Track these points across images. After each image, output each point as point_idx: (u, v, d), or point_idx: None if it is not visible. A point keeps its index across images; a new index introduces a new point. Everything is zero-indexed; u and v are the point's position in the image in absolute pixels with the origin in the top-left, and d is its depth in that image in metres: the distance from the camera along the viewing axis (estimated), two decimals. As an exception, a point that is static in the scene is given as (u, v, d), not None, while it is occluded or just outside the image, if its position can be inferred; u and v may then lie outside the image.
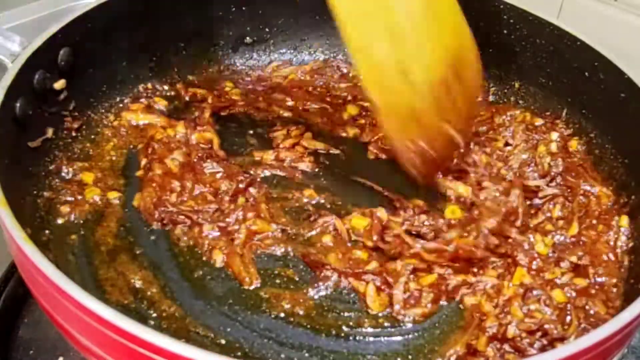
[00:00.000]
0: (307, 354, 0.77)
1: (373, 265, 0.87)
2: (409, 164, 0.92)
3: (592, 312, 0.81)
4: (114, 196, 0.93)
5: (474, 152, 1.04)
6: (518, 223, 0.93)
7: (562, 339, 0.77)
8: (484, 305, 0.83)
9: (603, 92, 1.03)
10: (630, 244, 0.91)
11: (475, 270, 0.88)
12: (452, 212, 0.96)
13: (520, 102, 1.18)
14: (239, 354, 0.76)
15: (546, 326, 0.78)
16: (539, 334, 0.78)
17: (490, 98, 1.21)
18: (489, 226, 0.91)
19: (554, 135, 1.08)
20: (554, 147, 1.06)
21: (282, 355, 0.77)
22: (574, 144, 1.07)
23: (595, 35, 1.06)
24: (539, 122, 1.12)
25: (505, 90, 1.21)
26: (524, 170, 1.02)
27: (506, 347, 0.78)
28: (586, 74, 1.06)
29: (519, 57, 1.17)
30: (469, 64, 0.93)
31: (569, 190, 0.99)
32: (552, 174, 1.01)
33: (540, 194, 0.99)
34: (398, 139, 0.89)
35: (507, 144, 1.07)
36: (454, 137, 0.90)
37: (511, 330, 0.78)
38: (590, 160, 1.05)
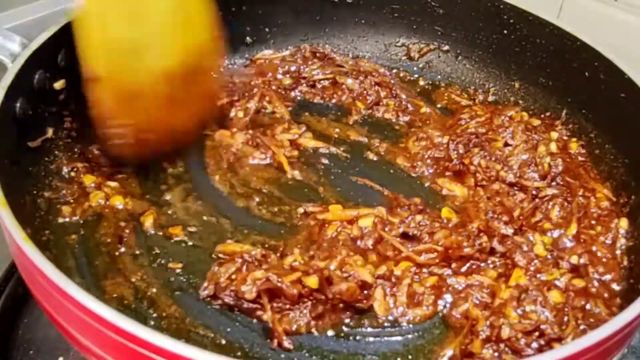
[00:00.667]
0: (307, 354, 0.77)
1: (382, 269, 0.86)
2: (112, 137, 0.88)
3: (591, 312, 0.81)
4: (117, 200, 0.93)
5: (473, 153, 1.04)
6: (511, 222, 0.93)
7: (559, 340, 0.77)
8: (472, 310, 0.82)
9: (603, 92, 1.03)
10: (630, 244, 0.91)
11: (473, 269, 0.88)
12: (449, 212, 0.96)
13: (520, 102, 1.18)
14: (239, 354, 0.76)
15: (542, 327, 0.78)
16: (535, 334, 0.78)
17: (490, 98, 1.21)
18: (476, 224, 0.91)
19: (554, 136, 1.08)
20: (553, 147, 1.06)
21: (282, 355, 0.77)
22: (574, 145, 1.07)
23: (595, 35, 1.06)
24: (537, 122, 1.12)
25: (505, 90, 1.21)
26: (524, 170, 1.02)
27: (503, 347, 0.78)
28: (586, 74, 1.06)
29: (519, 57, 1.18)
30: (207, 70, 0.93)
31: (568, 190, 0.99)
32: (552, 174, 1.01)
33: (540, 194, 0.99)
34: (108, 112, 0.86)
35: (506, 144, 1.07)
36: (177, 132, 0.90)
37: (506, 332, 0.78)
38: (590, 160, 1.05)
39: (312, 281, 0.79)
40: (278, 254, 0.85)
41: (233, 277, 0.81)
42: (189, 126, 0.92)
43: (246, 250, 0.84)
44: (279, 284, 0.78)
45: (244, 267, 0.81)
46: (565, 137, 1.09)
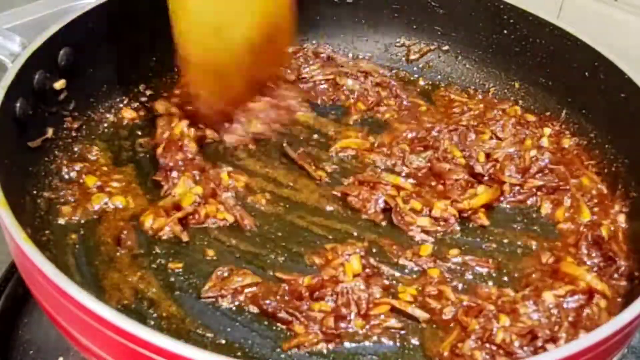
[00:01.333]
0: (307, 355, 0.77)
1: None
2: (205, 107, 0.95)
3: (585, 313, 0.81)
4: (117, 200, 0.92)
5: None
6: None
7: (553, 340, 0.76)
8: (463, 318, 0.81)
9: (603, 92, 1.04)
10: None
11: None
12: None
13: (520, 102, 1.18)
14: (239, 354, 0.76)
15: (536, 330, 0.77)
16: (529, 337, 0.77)
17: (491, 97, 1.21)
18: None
19: (547, 131, 1.09)
20: (545, 142, 1.06)
21: (282, 356, 0.77)
22: (567, 141, 1.08)
23: (595, 35, 1.06)
24: (532, 118, 1.13)
25: (505, 90, 1.21)
26: (504, 164, 1.01)
27: (496, 349, 0.77)
28: (586, 74, 1.06)
29: (519, 57, 1.18)
30: (283, 30, 0.98)
31: (557, 181, 1.00)
32: (538, 166, 1.01)
33: (525, 187, 0.99)
34: (201, 89, 0.93)
35: (496, 137, 1.07)
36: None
37: (499, 336, 0.77)
38: (586, 154, 1.06)
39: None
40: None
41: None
42: (265, 80, 0.98)
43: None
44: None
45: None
46: (558, 134, 1.10)
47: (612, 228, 0.92)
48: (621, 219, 0.94)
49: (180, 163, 0.96)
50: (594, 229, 0.92)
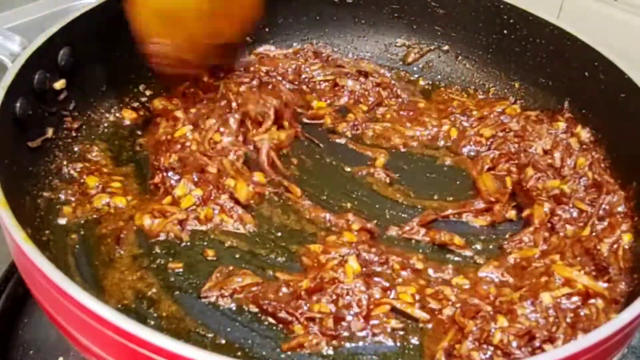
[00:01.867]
0: (307, 354, 0.77)
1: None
2: (153, 55, 0.84)
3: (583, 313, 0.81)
4: (118, 200, 0.92)
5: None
6: None
7: (550, 341, 0.77)
8: (460, 319, 0.81)
9: (603, 92, 1.03)
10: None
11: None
12: None
13: (520, 102, 1.18)
14: (239, 354, 0.76)
15: (534, 331, 0.77)
16: (526, 337, 0.77)
17: (490, 98, 1.21)
18: None
19: (561, 126, 1.07)
20: (575, 144, 1.04)
21: (282, 356, 0.77)
22: (582, 133, 1.06)
23: (595, 35, 1.06)
24: (532, 113, 1.12)
25: (505, 90, 1.21)
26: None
27: (493, 349, 0.77)
28: (586, 74, 1.06)
29: (519, 57, 1.18)
30: None
31: (593, 189, 0.97)
32: (580, 172, 1.00)
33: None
34: (148, 30, 0.83)
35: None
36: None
37: (497, 337, 0.77)
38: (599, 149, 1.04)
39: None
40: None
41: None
42: (231, 38, 0.86)
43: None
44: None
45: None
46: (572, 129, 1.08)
47: (615, 245, 0.90)
48: (626, 238, 0.90)
49: (176, 164, 0.96)
50: (589, 240, 0.90)
